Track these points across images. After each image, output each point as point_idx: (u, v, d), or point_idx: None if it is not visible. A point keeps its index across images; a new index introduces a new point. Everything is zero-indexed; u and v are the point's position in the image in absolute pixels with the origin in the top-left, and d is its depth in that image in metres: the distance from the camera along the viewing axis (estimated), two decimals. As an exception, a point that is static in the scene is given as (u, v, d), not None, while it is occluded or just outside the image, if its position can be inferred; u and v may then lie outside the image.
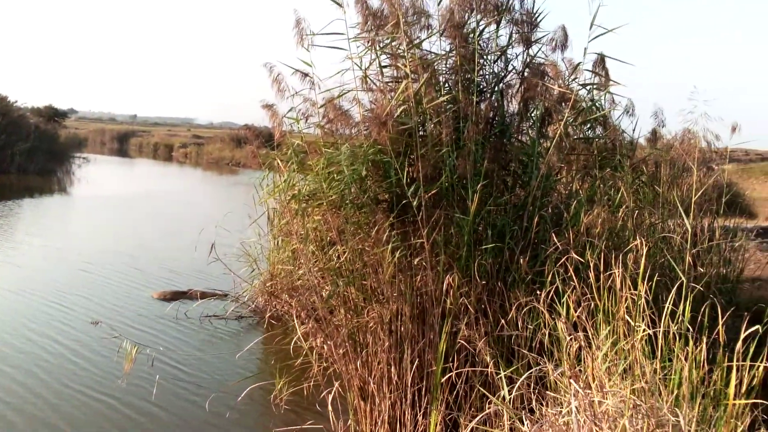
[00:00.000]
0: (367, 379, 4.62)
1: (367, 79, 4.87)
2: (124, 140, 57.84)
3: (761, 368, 3.05)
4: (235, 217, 8.27)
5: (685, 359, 3.12)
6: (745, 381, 3.02)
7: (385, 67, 4.84)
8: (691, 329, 3.23)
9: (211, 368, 6.58)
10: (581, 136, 5.32)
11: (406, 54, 4.54)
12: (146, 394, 5.81)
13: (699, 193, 4.15)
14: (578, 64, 5.02)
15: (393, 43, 4.72)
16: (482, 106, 4.80)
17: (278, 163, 5.25)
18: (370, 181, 4.59)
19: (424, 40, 4.73)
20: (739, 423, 2.95)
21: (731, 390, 2.72)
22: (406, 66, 4.48)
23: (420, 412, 4.39)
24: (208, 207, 18.37)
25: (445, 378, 4.13)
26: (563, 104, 4.89)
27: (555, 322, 3.61)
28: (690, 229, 4.25)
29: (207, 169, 38.50)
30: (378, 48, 4.74)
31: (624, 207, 4.81)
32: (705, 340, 3.16)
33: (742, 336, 2.96)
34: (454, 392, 4.22)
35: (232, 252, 8.03)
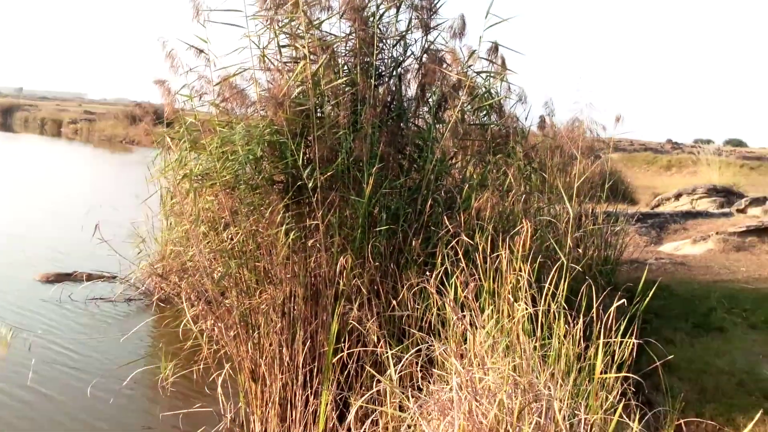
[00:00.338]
0: (258, 361, 4.56)
1: (265, 58, 4.77)
2: (8, 114, 54.05)
3: (631, 343, 3.26)
4: (127, 196, 7.90)
5: (564, 337, 3.28)
6: (617, 356, 3.22)
7: (283, 47, 4.75)
8: (569, 308, 3.40)
9: (94, 352, 6.29)
10: (476, 122, 5.45)
11: (305, 35, 4.48)
12: (22, 379, 5.49)
13: (581, 180, 4.36)
14: (473, 52, 5.13)
15: (292, 23, 4.64)
16: (380, 89, 4.82)
17: (168, 142, 5.05)
18: (265, 162, 4.51)
19: (324, 21, 4.68)
20: (610, 396, 3.14)
21: (598, 364, 2.89)
22: (304, 47, 4.42)
23: (311, 392, 4.39)
24: (97, 186, 17.53)
25: (336, 358, 4.14)
26: (460, 90, 4.99)
27: (444, 303, 3.70)
28: (572, 214, 4.46)
29: (98, 147, 36.59)
30: (277, 27, 4.64)
31: (513, 192, 4.98)
32: (582, 318, 3.34)
33: (612, 311, 3.15)
34: (346, 372, 4.25)
35: (122, 232, 7.69)
